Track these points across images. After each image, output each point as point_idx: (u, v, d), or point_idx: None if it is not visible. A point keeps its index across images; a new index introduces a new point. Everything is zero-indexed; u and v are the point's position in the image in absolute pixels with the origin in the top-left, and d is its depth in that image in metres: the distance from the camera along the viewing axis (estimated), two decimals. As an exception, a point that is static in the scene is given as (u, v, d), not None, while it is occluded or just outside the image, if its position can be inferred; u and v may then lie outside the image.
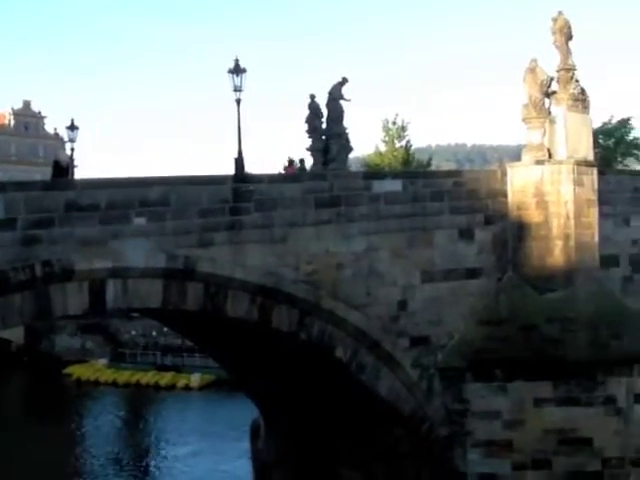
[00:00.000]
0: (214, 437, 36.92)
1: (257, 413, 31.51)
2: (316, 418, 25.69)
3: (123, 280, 18.36)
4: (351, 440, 24.99)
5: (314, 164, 27.19)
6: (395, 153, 54.36)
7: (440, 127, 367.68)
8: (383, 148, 55.51)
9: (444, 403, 23.04)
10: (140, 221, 18.45)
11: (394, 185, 22.50)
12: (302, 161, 28.59)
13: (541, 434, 22.49)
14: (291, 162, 28.56)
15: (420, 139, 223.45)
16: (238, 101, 21.71)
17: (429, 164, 59.55)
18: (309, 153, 27.53)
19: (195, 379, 48.75)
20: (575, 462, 22.51)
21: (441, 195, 23.21)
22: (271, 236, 20.25)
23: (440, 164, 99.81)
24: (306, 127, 27.14)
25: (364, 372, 21.75)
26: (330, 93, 26.51)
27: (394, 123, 55.17)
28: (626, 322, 23.96)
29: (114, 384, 51.22)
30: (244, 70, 21.57)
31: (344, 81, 26.81)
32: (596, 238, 25.05)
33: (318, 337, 20.95)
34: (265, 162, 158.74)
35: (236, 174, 20.53)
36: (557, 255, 24.14)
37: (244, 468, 31.93)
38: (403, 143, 55.59)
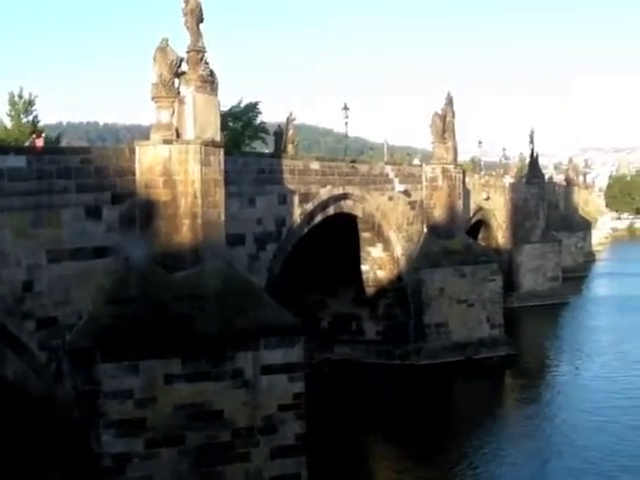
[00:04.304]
0: None
1: None
2: None
3: None
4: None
5: None
6: (22, 129, 52.27)
7: (72, 104, 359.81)
8: (9, 123, 53.19)
9: (75, 385, 22.52)
10: None
11: (18, 161, 21.35)
12: None
13: (173, 410, 22.66)
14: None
15: (50, 115, 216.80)
16: None
17: (58, 141, 57.99)
18: None
19: None
20: (207, 435, 22.99)
21: (68, 172, 22.44)
22: None
23: (71, 142, 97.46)
24: None
25: (-12, 357, 20.67)
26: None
27: (20, 97, 53.02)
28: (251, 298, 24.88)
29: None
30: None
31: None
32: (222, 217, 25.71)
33: None
34: None
35: None
36: (185, 233, 24.46)
37: None
38: (30, 118, 53.65)
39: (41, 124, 54.95)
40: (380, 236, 43.93)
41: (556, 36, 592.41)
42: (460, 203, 50.17)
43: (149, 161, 24.53)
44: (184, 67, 25.49)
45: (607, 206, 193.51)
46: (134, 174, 24.47)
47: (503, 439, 33.22)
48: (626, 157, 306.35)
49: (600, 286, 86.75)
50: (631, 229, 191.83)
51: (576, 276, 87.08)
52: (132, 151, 24.68)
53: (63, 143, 60.87)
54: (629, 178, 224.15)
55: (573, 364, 46.26)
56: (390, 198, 44.65)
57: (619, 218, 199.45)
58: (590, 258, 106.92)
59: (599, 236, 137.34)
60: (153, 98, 25.09)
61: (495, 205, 67.74)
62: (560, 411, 36.66)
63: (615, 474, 28.17)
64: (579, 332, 57.73)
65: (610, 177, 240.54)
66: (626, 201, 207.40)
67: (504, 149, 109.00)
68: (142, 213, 24.42)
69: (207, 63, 25.79)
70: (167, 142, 24.56)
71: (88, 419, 22.46)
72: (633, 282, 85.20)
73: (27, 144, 26.37)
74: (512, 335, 50.06)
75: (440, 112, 49.49)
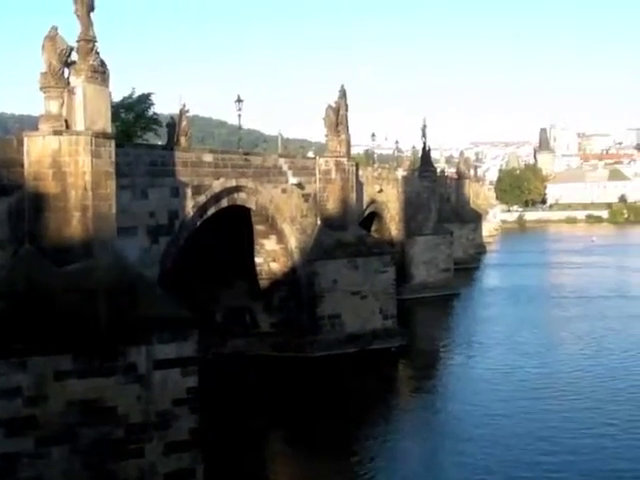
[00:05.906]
0: None
1: None
2: None
3: None
4: None
5: None
6: None
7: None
8: None
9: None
10: None
11: None
12: None
13: (65, 407, 22.24)
14: None
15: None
16: None
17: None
18: None
19: None
20: (100, 432, 22.64)
21: (-49, 164, 21.91)
22: None
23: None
24: None
25: None
26: None
27: None
28: (144, 292, 24.59)
29: None
30: None
31: None
32: (114, 210, 25.36)
33: None
34: None
35: None
36: (75, 226, 24.05)
37: None
38: None
39: None
40: (274, 229, 43.95)
41: (443, 36, 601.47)
42: (353, 196, 50.44)
43: (38, 152, 24.03)
44: (74, 57, 25.00)
45: (497, 199, 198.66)
46: (22, 166, 23.92)
47: (396, 429, 33.65)
48: (516, 151, 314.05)
49: (491, 277, 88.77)
50: (520, 221, 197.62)
51: (468, 267, 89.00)
52: (20, 142, 24.13)
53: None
54: (518, 172, 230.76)
55: (465, 355, 47.07)
56: (284, 191, 44.65)
57: (509, 210, 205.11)
58: (481, 249, 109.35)
59: (489, 228, 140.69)
60: (42, 88, 24.59)
61: (388, 197, 68.46)
62: (451, 402, 37.23)
63: (495, 464, 28.75)
64: (471, 323, 58.79)
65: (500, 171, 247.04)
66: (515, 194, 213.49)
67: (397, 142, 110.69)
68: (31, 206, 23.92)
69: (98, 53, 25.36)
70: (56, 133, 24.09)
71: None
72: (522, 273, 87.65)
73: None
74: (405, 326, 50.71)
75: (334, 105, 49.64)
